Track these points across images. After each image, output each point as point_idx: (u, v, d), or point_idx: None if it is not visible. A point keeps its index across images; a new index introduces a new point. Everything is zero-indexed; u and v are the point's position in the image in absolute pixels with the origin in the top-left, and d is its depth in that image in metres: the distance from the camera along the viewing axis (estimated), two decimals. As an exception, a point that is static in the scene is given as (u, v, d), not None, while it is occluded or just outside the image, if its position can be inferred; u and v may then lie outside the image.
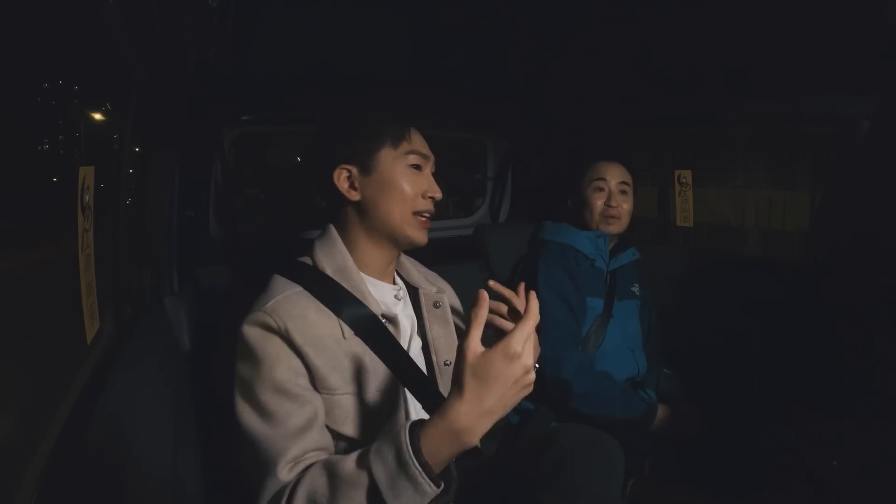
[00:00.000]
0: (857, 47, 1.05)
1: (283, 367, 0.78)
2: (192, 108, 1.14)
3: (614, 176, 1.42)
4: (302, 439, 0.76)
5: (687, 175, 1.71)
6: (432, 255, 1.06)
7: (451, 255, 1.55)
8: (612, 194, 1.41)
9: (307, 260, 0.91)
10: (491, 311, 0.80)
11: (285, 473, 0.73)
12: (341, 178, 0.89)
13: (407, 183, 0.89)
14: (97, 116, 0.87)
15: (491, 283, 0.85)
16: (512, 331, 0.67)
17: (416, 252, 0.96)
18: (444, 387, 0.95)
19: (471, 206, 2.03)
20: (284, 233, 1.51)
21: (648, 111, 1.62)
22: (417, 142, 0.92)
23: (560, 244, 1.41)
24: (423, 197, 0.90)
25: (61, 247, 0.67)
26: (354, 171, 0.89)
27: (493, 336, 0.80)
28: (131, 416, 0.67)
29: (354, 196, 0.89)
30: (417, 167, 0.91)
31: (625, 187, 1.42)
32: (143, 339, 0.87)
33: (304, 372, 0.79)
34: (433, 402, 0.92)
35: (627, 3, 1.22)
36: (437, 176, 0.94)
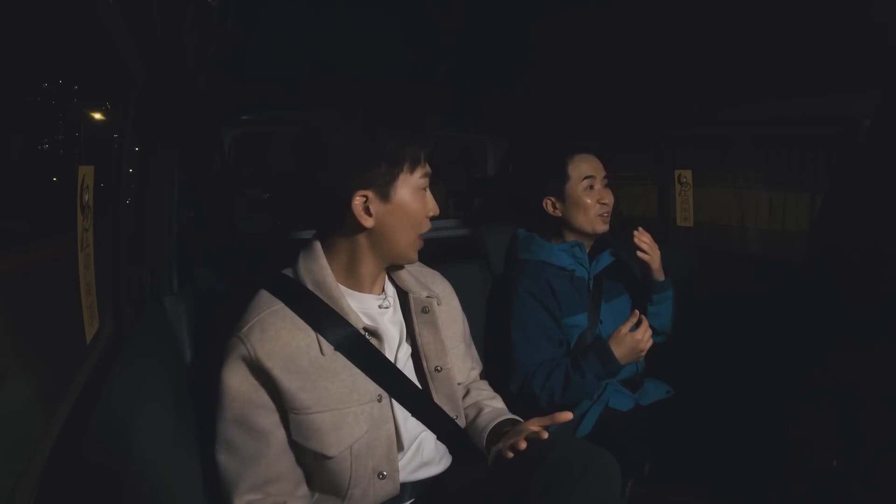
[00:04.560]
0: (857, 47, 1.05)
1: (244, 401, 0.82)
2: (192, 108, 1.14)
3: (598, 170, 1.37)
4: (255, 468, 0.81)
5: (687, 175, 1.71)
6: (432, 255, 1.06)
7: (451, 255, 1.55)
8: (601, 191, 1.36)
9: (290, 272, 0.90)
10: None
11: (241, 502, 0.81)
12: (358, 205, 0.84)
13: (419, 207, 0.88)
14: (97, 116, 0.87)
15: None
16: None
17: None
18: (437, 394, 0.95)
19: (471, 205, 2.03)
20: (284, 233, 1.51)
21: (648, 111, 1.62)
22: (426, 162, 0.90)
23: (534, 262, 1.37)
24: (426, 217, 0.90)
25: (61, 247, 0.67)
26: (372, 196, 0.85)
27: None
28: (131, 416, 0.67)
29: (369, 223, 0.85)
30: (424, 189, 0.89)
31: (606, 181, 1.38)
32: (143, 339, 0.87)
33: (268, 401, 0.82)
34: (428, 414, 0.93)
35: (628, 2, 1.21)
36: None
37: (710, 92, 1.43)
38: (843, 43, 1.05)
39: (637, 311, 1.20)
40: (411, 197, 0.87)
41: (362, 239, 0.88)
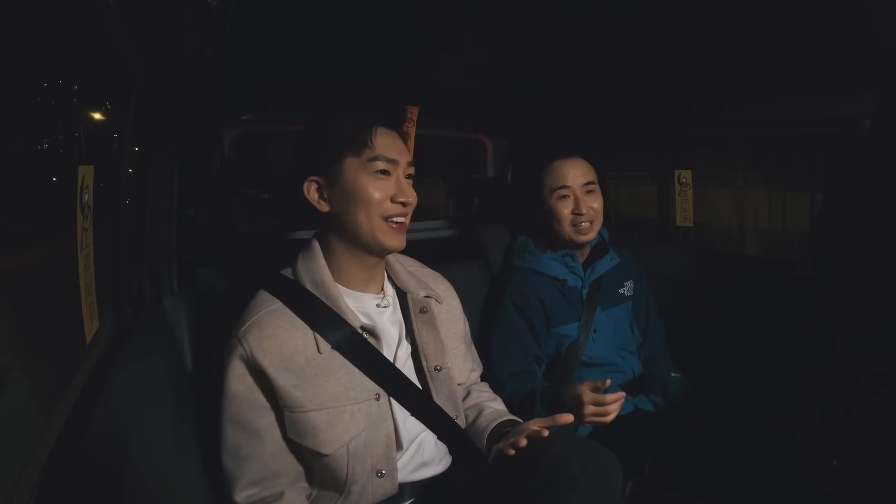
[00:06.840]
0: (857, 47, 1.05)
1: (240, 401, 0.83)
2: (192, 108, 1.14)
3: (576, 177, 1.28)
4: (252, 467, 0.83)
5: (687, 175, 1.71)
6: (432, 255, 1.06)
7: (451, 255, 1.55)
8: (579, 199, 1.28)
9: (289, 272, 0.92)
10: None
11: (240, 498, 0.82)
12: (311, 190, 0.90)
13: (373, 189, 0.88)
14: (97, 116, 0.87)
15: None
16: None
17: (416, 252, 0.96)
18: (437, 393, 0.95)
19: (470, 205, 2.03)
20: (284, 233, 1.51)
21: (648, 111, 1.62)
22: (383, 146, 0.89)
23: (525, 270, 1.34)
24: (393, 202, 0.89)
25: (61, 247, 0.67)
26: (322, 181, 0.89)
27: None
28: (131, 416, 0.67)
29: (324, 207, 0.90)
30: (385, 172, 0.89)
31: (590, 187, 1.29)
32: (143, 339, 0.87)
33: (264, 401, 0.83)
34: (428, 413, 0.93)
35: (628, 2, 1.22)
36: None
37: (710, 92, 1.43)
38: (844, 43, 1.05)
39: (608, 381, 0.99)
40: (363, 180, 0.88)
41: (329, 228, 0.92)
